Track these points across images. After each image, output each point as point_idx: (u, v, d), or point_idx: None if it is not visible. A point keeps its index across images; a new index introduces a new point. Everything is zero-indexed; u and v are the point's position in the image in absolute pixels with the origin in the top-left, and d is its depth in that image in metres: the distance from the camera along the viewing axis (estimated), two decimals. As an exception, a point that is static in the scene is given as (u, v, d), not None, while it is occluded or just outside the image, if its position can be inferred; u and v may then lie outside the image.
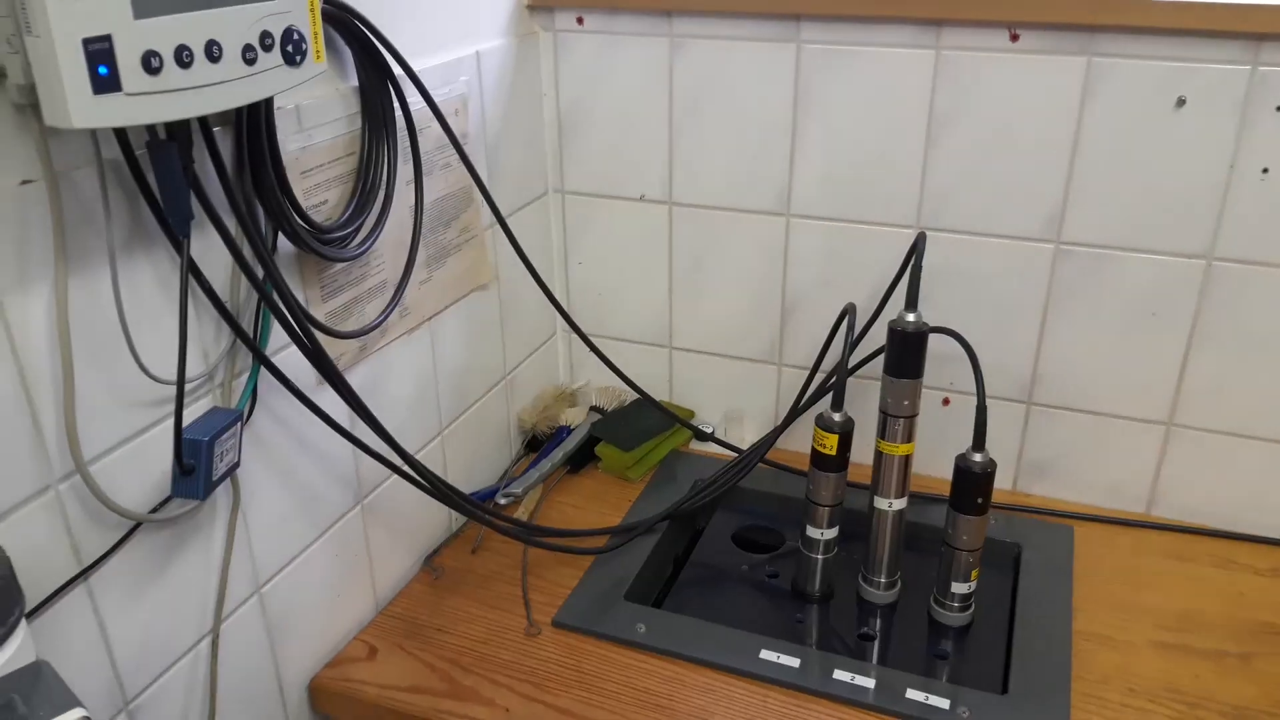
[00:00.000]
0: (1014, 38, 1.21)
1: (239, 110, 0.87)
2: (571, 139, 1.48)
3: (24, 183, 0.74)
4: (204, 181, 0.84)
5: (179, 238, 0.80)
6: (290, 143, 0.99)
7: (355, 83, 1.07)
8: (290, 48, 0.78)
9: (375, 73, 1.08)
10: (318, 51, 0.82)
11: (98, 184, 0.77)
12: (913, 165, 1.31)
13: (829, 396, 1.21)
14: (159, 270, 0.85)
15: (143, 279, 0.83)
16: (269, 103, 0.90)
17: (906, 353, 1.14)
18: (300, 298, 1.03)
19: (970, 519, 1.15)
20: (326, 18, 0.98)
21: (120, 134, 0.76)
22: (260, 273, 0.92)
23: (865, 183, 1.35)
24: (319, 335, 1.00)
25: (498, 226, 1.32)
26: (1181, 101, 1.18)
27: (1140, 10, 1.14)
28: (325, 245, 1.02)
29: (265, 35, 0.75)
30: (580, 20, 1.40)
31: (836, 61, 1.30)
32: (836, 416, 1.17)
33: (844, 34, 1.28)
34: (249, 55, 0.74)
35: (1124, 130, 1.21)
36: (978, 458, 1.13)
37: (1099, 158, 1.23)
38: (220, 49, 0.71)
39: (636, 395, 1.43)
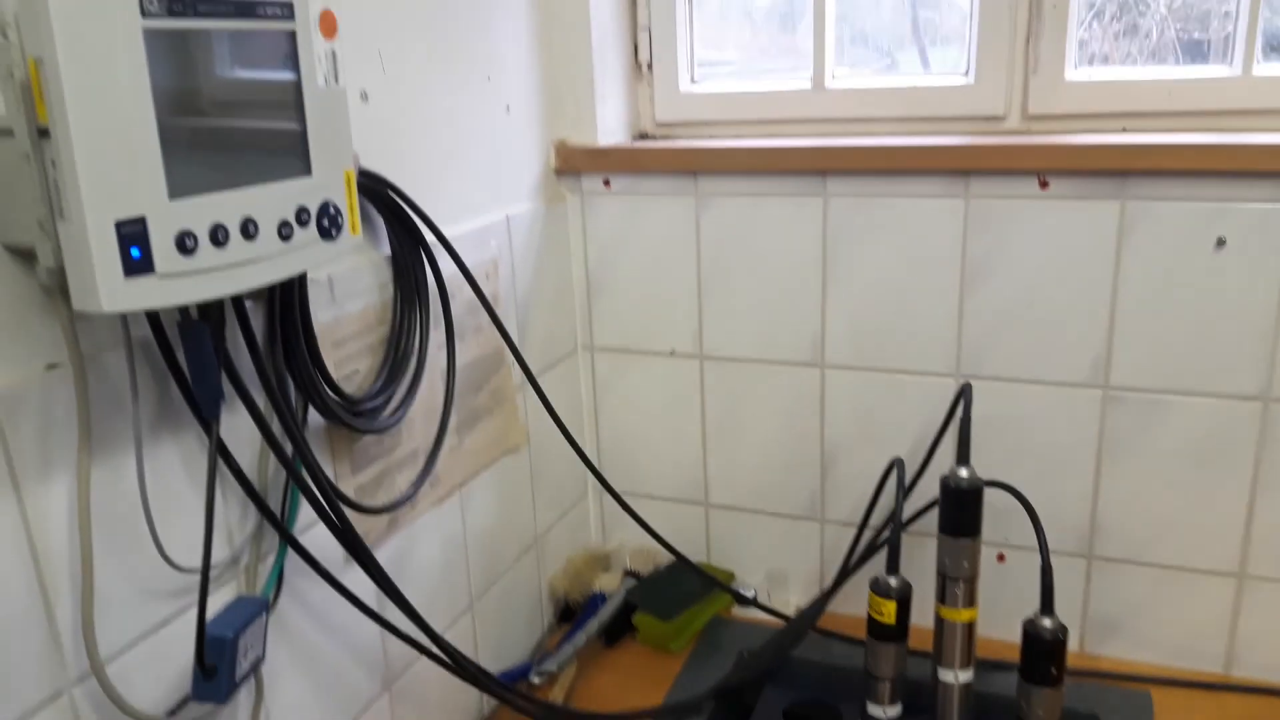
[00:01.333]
0: (1044, 185, 1.21)
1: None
2: (600, 297, 1.47)
3: (50, 367, 0.71)
4: (234, 357, 0.81)
5: (208, 420, 0.76)
6: (322, 313, 0.97)
7: (387, 251, 1.07)
8: (326, 222, 0.77)
9: (407, 240, 1.07)
10: (353, 224, 0.81)
11: (125, 366, 0.74)
12: (948, 313, 1.29)
13: (879, 557, 1.15)
14: (185, 452, 0.81)
15: (168, 462, 0.80)
16: (302, 275, 0.88)
17: (963, 510, 1.08)
18: (329, 472, 0.99)
19: (1045, 690, 1.06)
20: (360, 189, 0.98)
21: (151, 314, 0.74)
22: (289, 449, 0.89)
23: (900, 332, 1.32)
24: (348, 512, 0.96)
25: (528, 387, 1.30)
26: (1221, 242, 1.16)
27: (1172, 155, 1.14)
28: (357, 417, 0.99)
29: (301, 211, 0.74)
30: (607, 183, 1.41)
31: (864, 213, 1.30)
32: (893, 581, 1.10)
33: (871, 187, 1.28)
34: (285, 231, 0.73)
35: (1164, 272, 1.19)
36: (1047, 623, 1.05)
37: (1141, 301, 1.20)
38: (256, 226, 0.70)
39: (673, 557, 1.36)
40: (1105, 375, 1.24)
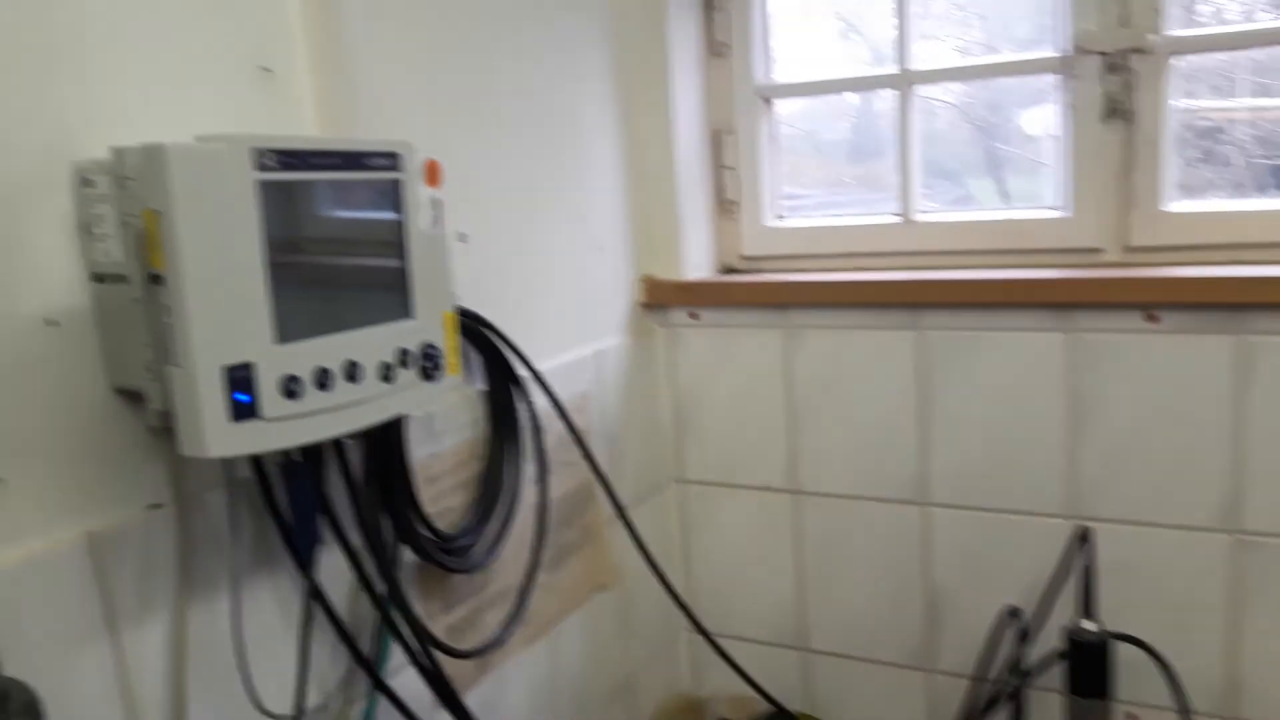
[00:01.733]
0: (1153, 319, 1.16)
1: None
2: (690, 430, 1.46)
3: (152, 507, 0.72)
4: (332, 496, 0.82)
5: (305, 564, 0.76)
6: (418, 449, 0.97)
7: (482, 387, 1.07)
8: (427, 363, 0.78)
9: (501, 376, 1.08)
10: (453, 364, 0.81)
11: (226, 508, 0.75)
12: (1058, 451, 1.23)
13: (996, 712, 1.07)
14: (279, 593, 0.81)
15: (262, 602, 0.79)
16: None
17: (1092, 668, 1.00)
18: (420, 610, 0.97)
19: None
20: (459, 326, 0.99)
21: (256, 455, 0.75)
22: (382, 589, 0.87)
23: (1007, 470, 1.27)
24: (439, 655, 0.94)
25: (617, 523, 1.27)
26: (1353, 375, 1.09)
27: (1291, 286, 1.08)
28: (450, 555, 0.98)
29: (403, 353, 0.75)
30: (695, 316, 1.41)
31: (961, 347, 1.26)
32: (1011, 741, 1.02)
33: (967, 320, 1.26)
34: (387, 373, 0.74)
35: (1293, 407, 1.12)
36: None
37: (1270, 438, 1.13)
38: (359, 369, 0.71)
39: (770, 706, 1.29)
40: (1237, 518, 1.16)
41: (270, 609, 0.80)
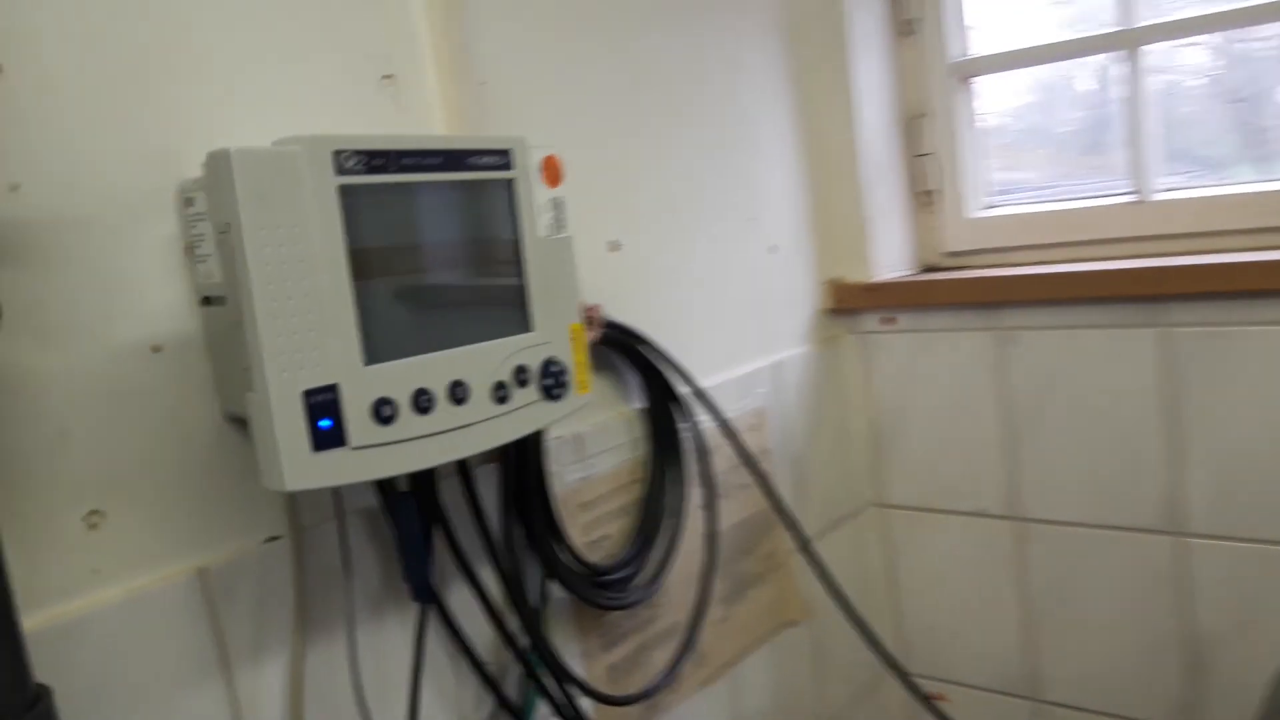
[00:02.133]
0: None
1: (504, 446, 0.80)
2: (890, 447, 1.30)
3: (269, 540, 0.68)
4: (458, 529, 0.75)
5: (421, 603, 0.70)
6: (568, 474, 0.90)
7: (640, 404, 0.99)
8: (550, 380, 0.70)
9: (661, 393, 0.99)
10: (581, 381, 0.73)
11: (338, 539, 0.70)
12: (1356, 467, 0.99)
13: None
14: (408, 632, 0.75)
15: (392, 639, 0.74)
16: (538, 435, 0.82)
17: None
18: (577, 650, 0.90)
19: None
20: (607, 341, 0.91)
21: (382, 481, 0.69)
22: (525, 641, 0.80)
23: (1286, 492, 1.03)
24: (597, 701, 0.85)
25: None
26: None
27: None
28: (604, 589, 0.89)
29: (520, 370, 0.68)
30: (889, 320, 1.26)
31: (1216, 345, 1.04)
32: (1301, 841, 0.80)
33: (1222, 313, 1.03)
34: (500, 394, 0.66)
35: None
36: None
37: None
38: (466, 390, 0.64)
39: (990, 768, 1.11)
40: None
41: (397, 648, 0.74)
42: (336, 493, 0.69)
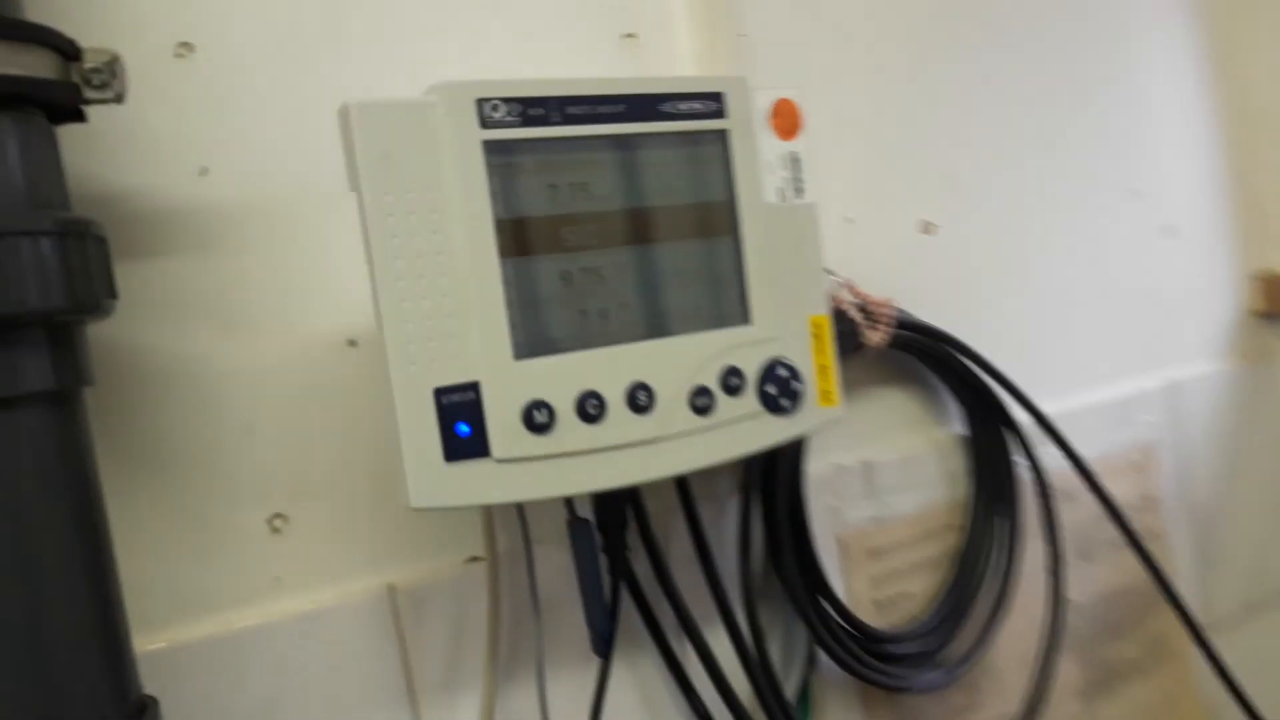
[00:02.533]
0: None
1: (748, 469, 0.65)
2: (1358, 507, 0.94)
3: (471, 560, 0.60)
4: (674, 570, 0.62)
5: (600, 654, 0.57)
6: (850, 511, 0.73)
7: (960, 430, 0.78)
8: (774, 388, 0.54)
9: (988, 417, 0.77)
10: (826, 391, 0.56)
11: (525, 561, 0.60)
12: None
13: None
14: (639, 674, 0.63)
15: (617, 682, 0.62)
16: (795, 460, 0.66)
17: None
18: (857, 732, 0.72)
19: None
20: (906, 345, 0.72)
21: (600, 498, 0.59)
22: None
23: None
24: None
25: (1214, 637, 0.84)
26: None
27: None
28: (889, 662, 0.70)
29: (730, 373, 0.53)
30: (1362, 328, 0.91)
31: None
32: None
33: None
34: (701, 401, 0.52)
35: None
36: None
37: None
38: (652, 395, 0.50)
39: None
40: None
41: (630, 692, 0.63)
42: (522, 513, 0.59)
